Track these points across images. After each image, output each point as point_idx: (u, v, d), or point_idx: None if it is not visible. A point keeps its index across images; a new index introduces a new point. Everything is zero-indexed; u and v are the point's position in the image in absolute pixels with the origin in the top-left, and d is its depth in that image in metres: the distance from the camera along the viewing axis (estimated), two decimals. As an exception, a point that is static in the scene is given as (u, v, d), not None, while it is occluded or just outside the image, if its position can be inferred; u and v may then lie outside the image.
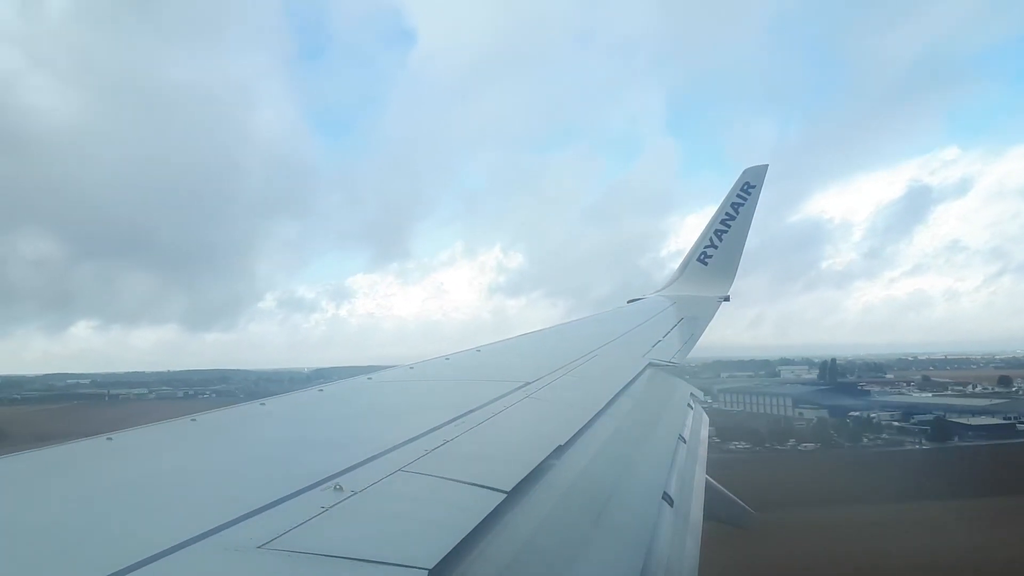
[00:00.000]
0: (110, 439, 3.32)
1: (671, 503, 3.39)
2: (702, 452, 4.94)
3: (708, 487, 4.38)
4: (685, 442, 4.69)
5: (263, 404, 4.23)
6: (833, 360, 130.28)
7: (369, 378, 5.42)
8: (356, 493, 2.55)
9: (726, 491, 5.62)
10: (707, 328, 11.10)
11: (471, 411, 4.05)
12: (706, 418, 6.01)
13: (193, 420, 3.73)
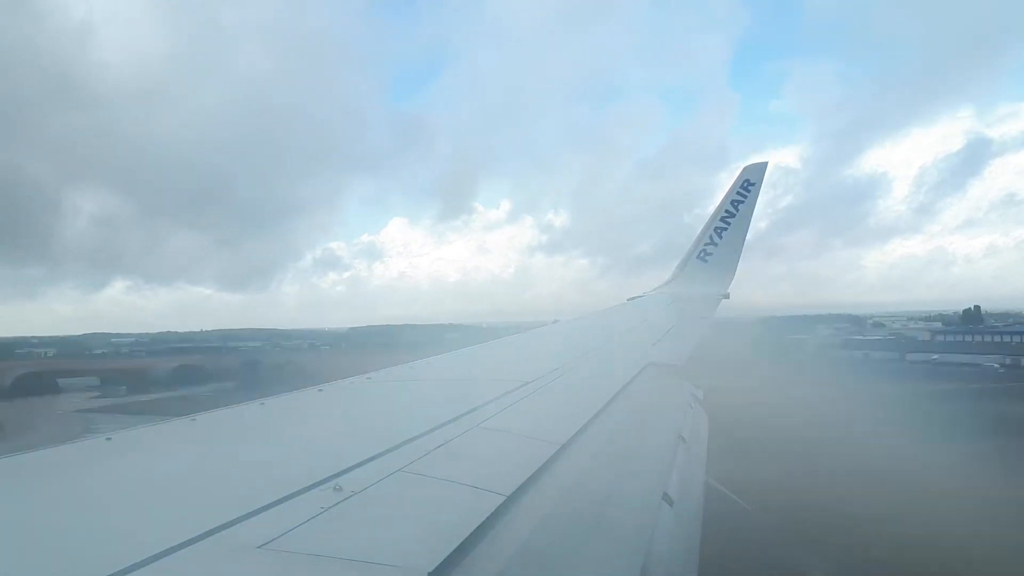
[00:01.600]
0: (109, 439, 3.32)
1: (671, 503, 3.39)
2: (702, 452, 4.93)
3: (708, 487, 4.38)
4: (685, 441, 4.69)
5: (263, 404, 4.23)
6: (978, 307, 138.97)
7: (369, 377, 5.42)
8: (356, 493, 2.55)
9: (726, 491, 5.62)
10: (708, 323, 11.10)
11: (471, 411, 4.05)
12: (706, 417, 6.00)
13: (193, 420, 3.74)
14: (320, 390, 4.82)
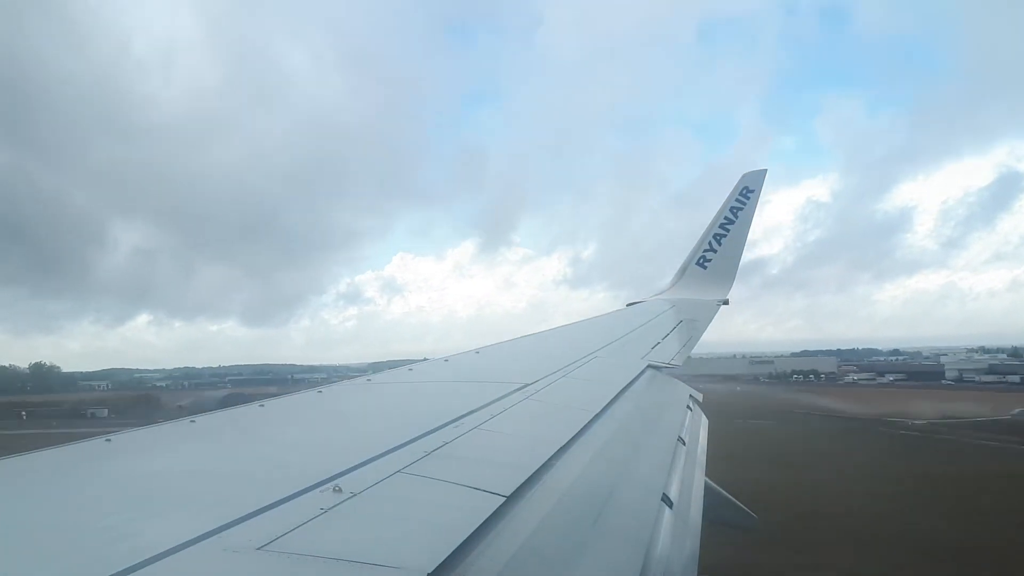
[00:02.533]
0: (109, 440, 3.32)
1: (670, 505, 3.39)
2: (701, 454, 4.94)
3: (707, 489, 4.38)
4: (684, 444, 4.70)
5: (262, 405, 4.23)
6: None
7: (368, 379, 5.42)
8: (355, 495, 2.55)
9: (726, 493, 5.62)
10: (706, 331, 11.12)
11: (470, 413, 4.05)
12: (705, 420, 6.00)
13: (192, 421, 3.73)
14: (319, 392, 4.82)
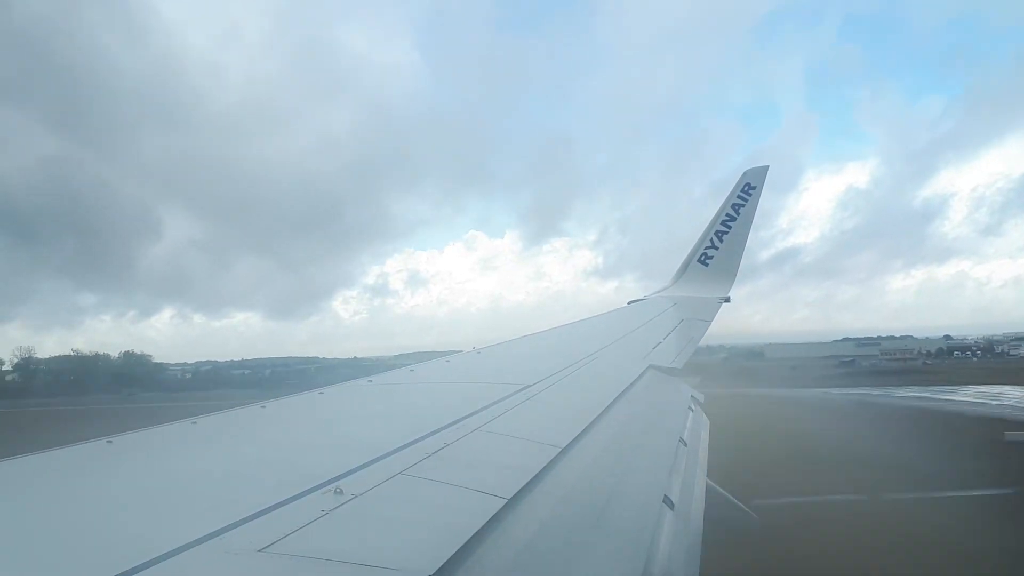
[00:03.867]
0: (110, 441, 3.32)
1: (672, 507, 3.39)
2: (703, 455, 4.94)
3: (709, 491, 4.38)
4: (686, 445, 4.69)
5: (263, 407, 4.23)
6: None
7: (370, 380, 5.42)
8: (357, 497, 2.55)
9: (728, 495, 5.61)
10: (708, 329, 11.12)
11: (472, 414, 4.04)
12: (707, 421, 6.00)
13: (194, 423, 3.73)
14: (321, 392, 4.82)
